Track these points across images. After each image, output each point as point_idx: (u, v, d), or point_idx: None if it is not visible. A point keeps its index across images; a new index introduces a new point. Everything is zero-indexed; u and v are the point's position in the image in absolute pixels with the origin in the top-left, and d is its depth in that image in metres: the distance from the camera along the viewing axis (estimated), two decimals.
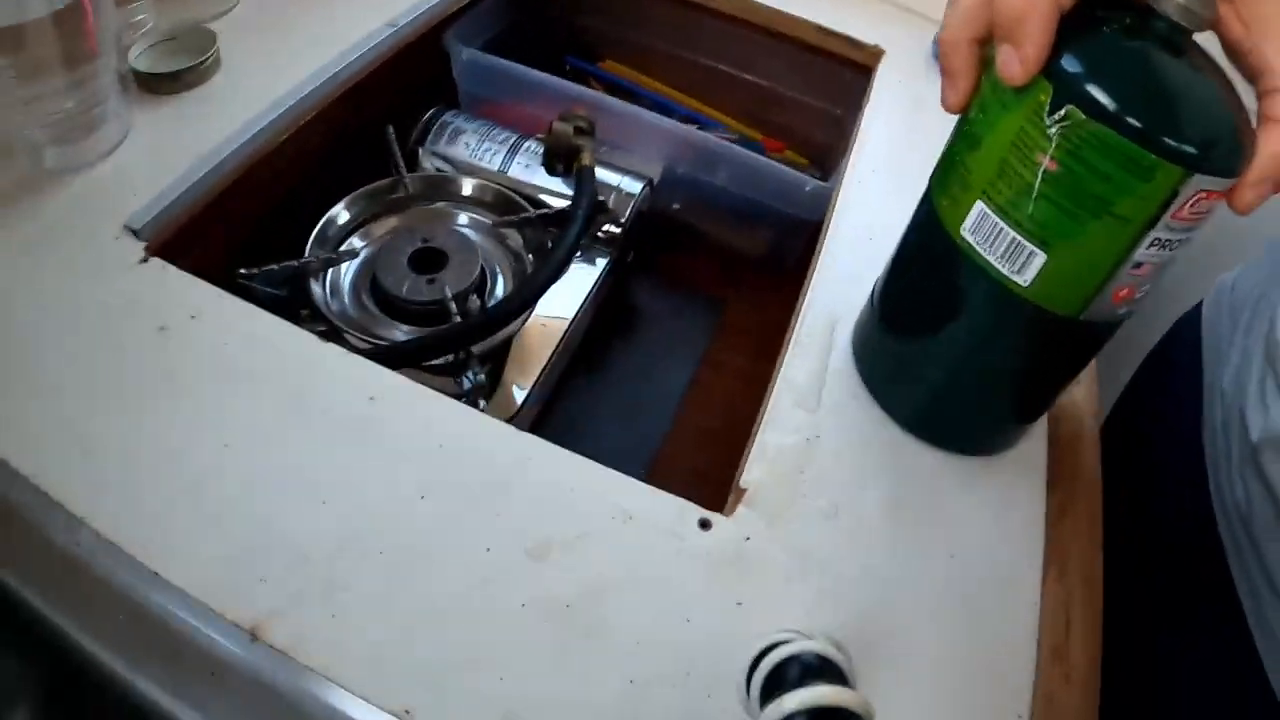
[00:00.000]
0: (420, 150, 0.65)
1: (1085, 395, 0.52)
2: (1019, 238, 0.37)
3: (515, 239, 0.62)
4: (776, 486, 0.42)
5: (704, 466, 0.57)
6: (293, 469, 0.40)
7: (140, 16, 0.59)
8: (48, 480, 0.38)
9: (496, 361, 0.57)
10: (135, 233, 0.47)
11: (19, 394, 0.41)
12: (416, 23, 0.65)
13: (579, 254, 0.63)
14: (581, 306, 0.60)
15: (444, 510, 0.39)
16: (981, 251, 0.38)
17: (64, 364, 0.42)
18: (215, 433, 0.40)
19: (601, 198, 0.62)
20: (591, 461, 0.42)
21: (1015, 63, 0.34)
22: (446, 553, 0.38)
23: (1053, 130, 0.34)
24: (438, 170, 0.65)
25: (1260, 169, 0.34)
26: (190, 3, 0.62)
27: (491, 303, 0.58)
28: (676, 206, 0.70)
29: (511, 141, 0.65)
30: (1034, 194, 0.36)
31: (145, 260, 0.46)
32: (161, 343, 0.43)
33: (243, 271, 0.53)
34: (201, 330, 0.44)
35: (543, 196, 0.64)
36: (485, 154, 0.65)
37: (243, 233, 0.56)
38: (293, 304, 0.54)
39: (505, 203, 0.62)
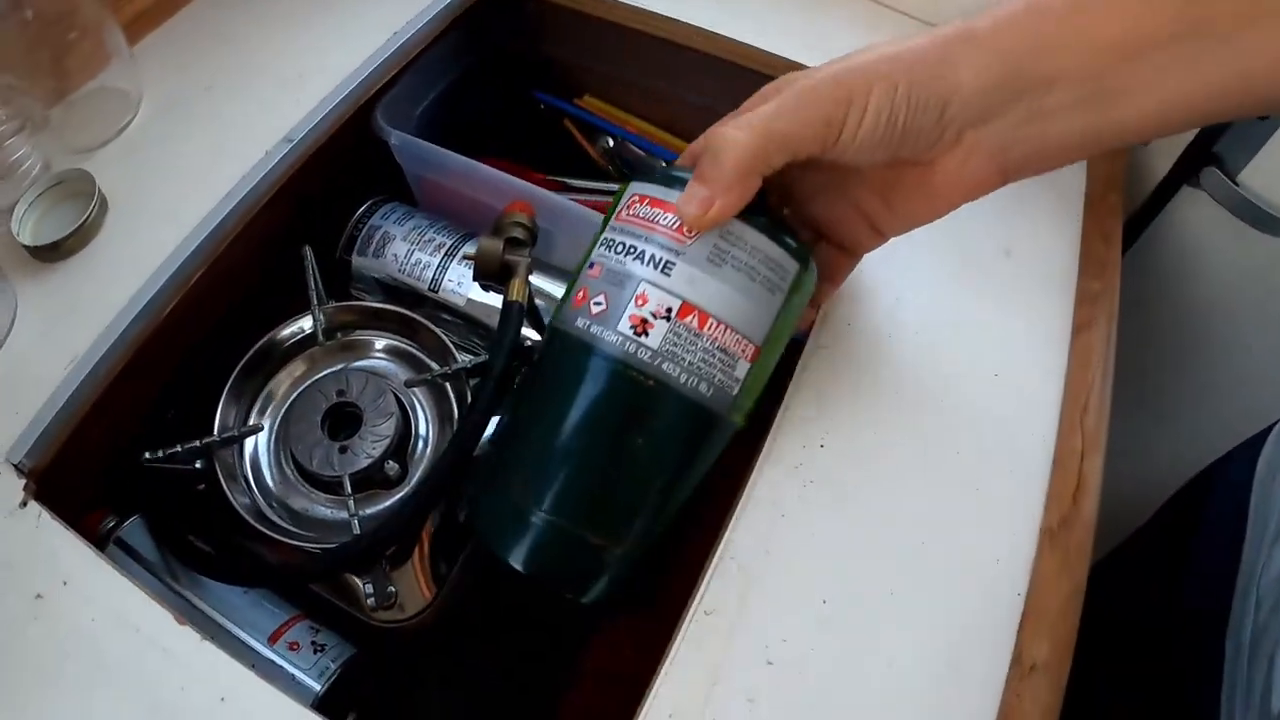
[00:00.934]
0: (353, 259, 0.60)
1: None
2: None
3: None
4: None
5: None
6: None
7: (20, 153, 0.55)
8: None
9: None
10: (16, 467, 0.47)
11: None
12: (327, 122, 0.59)
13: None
14: None
15: None
16: None
17: None
18: None
19: (527, 339, 0.55)
20: None
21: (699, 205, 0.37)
22: None
23: None
24: (357, 291, 0.60)
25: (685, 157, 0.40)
26: (70, 131, 0.58)
27: (417, 461, 0.54)
28: None
29: (447, 246, 0.59)
30: None
31: (24, 504, 0.46)
32: (39, 613, 0.43)
33: (147, 455, 0.51)
34: (72, 601, 0.43)
35: (478, 315, 0.59)
36: (415, 268, 0.59)
37: (143, 409, 0.54)
38: (210, 478, 0.53)
39: (429, 341, 0.57)
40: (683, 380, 0.39)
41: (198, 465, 0.52)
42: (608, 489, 0.40)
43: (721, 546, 0.44)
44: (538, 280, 0.59)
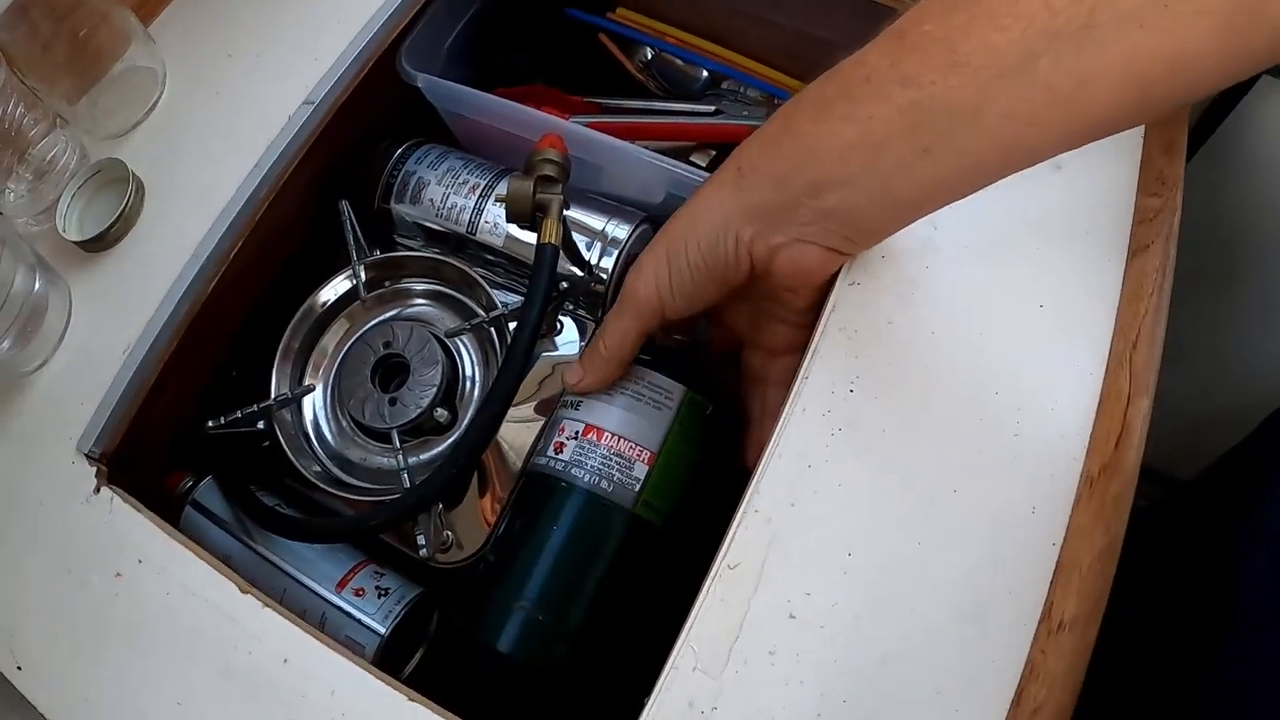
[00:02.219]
0: (392, 207, 0.61)
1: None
2: None
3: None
4: None
5: None
6: None
7: (55, 150, 0.57)
8: None
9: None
10: (87, 455, 0.51)
11: (37, 645, 0.48)
12: (345, 82, 0.58)
13: (559, 326, 0.58)
14: (562, 395, 0.56)
15: None
16: None
17: (61, 616, 0.48)
18: (171, 690, 0.45)
19: (564, 278, 0.54)
20: None
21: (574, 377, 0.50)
22: None
23: None
24: (400, 239, 0.61)
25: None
26: (100, 119, 0.59)
27: (466, 404, 0.56)
28: None
29: (481, 187, 0.59)
30: None
31: (98, 490, 0.50)
32: (119, 589, 0.47)
33: (210, 424, 0.55)
34: (147, 577, 0.47)
35: (519, 252, 0.58)
36: (452, 212, 0.59)
37: (202, 381, 0.57)
38: (272, 438, 0.56)
39: (466, 283, 0.58)
40: (586, 480, 0.49)
41: (259, 427, 0.56)
42: (550, 567, 0.49)
43: (747, 499, 0.44)
44: (576, 213, 0.58)
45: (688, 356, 0.56)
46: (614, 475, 0.49)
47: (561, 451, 0.50)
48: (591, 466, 0.49)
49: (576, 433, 0.50)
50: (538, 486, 0.50)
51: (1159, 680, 0.61)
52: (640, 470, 0.49)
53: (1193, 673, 0.55)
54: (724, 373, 0.55)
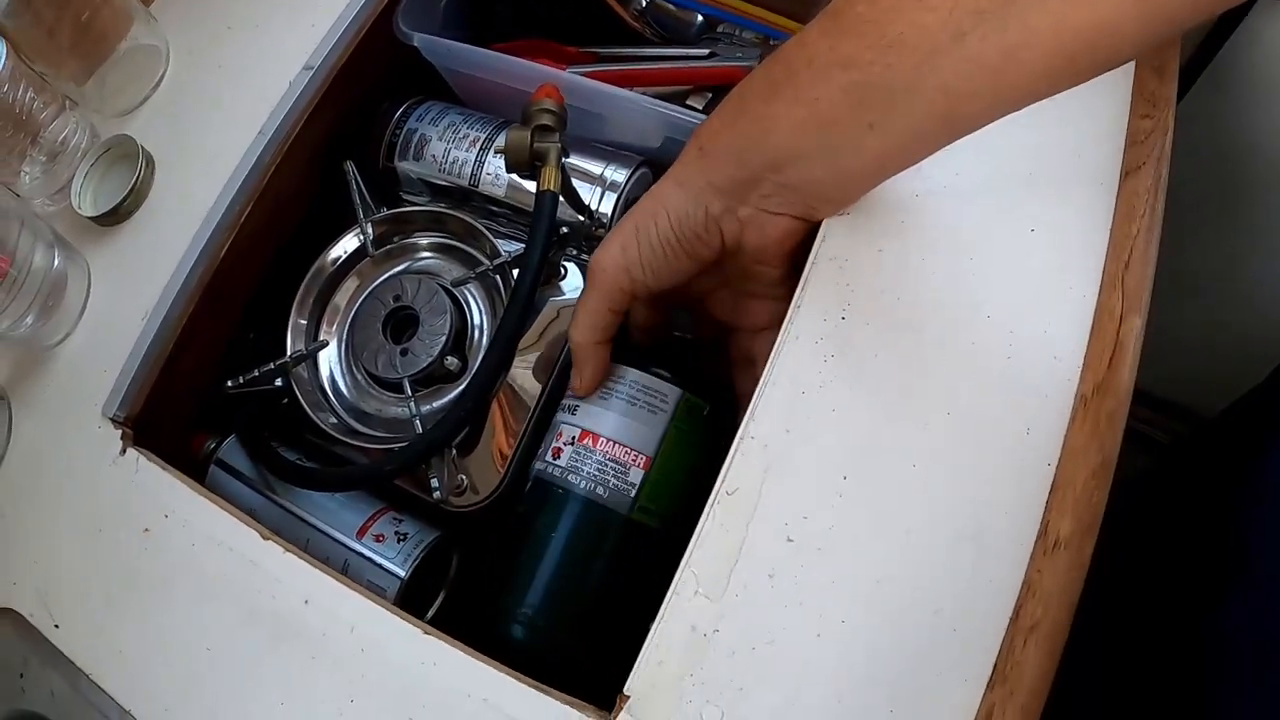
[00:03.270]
0: (396, 165, 0.62)
1: None
2: None
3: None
4: (661, 691, 0.42)
5: None
6: (254, 671, 0.46)
7: (65, 131, 0.59)
8: (104, 678, 0.48)
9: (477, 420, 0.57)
10: (112, 420, 0.53)
11: (72, 602, 0.50)
12: (342, 46, 0.59)
13: (563, 271, 0.59)
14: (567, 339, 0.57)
15: (367, 712, 0.44)
16: None
17: (94, 573, 0.50)
18: (199, 636, 0.47)
19: (565, 224, 0.56)
20: (490, 665, 0.44)
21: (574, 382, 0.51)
22: None
23: None
24: (407, 195, 0.62)
25: None
26: (107, 98, 0.61)
27: (475, 351, 0.58)
28: None
29: (481, 140, 0.60)
30: None
31: (124, 452, 0.52)
32: (148, 544, 0.50)
33: (229, 384, 0.57)
34: (174, 530, 0.50)
35: (521, 201, 0.60)
36: (454, 166, 0.60)
37: (220, 347, 0.59)
38: (290, 394, 0.58)
39: (470, 235, 0.59)
40: (583, 486, 0.50)
41: (277, 384, 0.58)
42: (550, 572, 0.50)
43: (743, 427, 0.45)
44: (576, 160, 0.59)
45: (684, 356, 0.57)
46: (609, 481, 0.50)
47: (559, 457, 0.51)
48: (588, 473, 0.50)
49: (573, 438, 0.51)
50: (537, 491, 0.52)
51: (1157, 629, 0.62)
52: (636, 475, 0.50)
53: (1194, 620, 0.55)
54: (716, 365, 0.56)
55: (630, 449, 0.50)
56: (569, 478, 0.50)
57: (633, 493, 0.50)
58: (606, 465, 0.50)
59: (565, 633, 0.49)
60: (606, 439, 0.50)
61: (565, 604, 0.49)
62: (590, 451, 0.50)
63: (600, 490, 0.50)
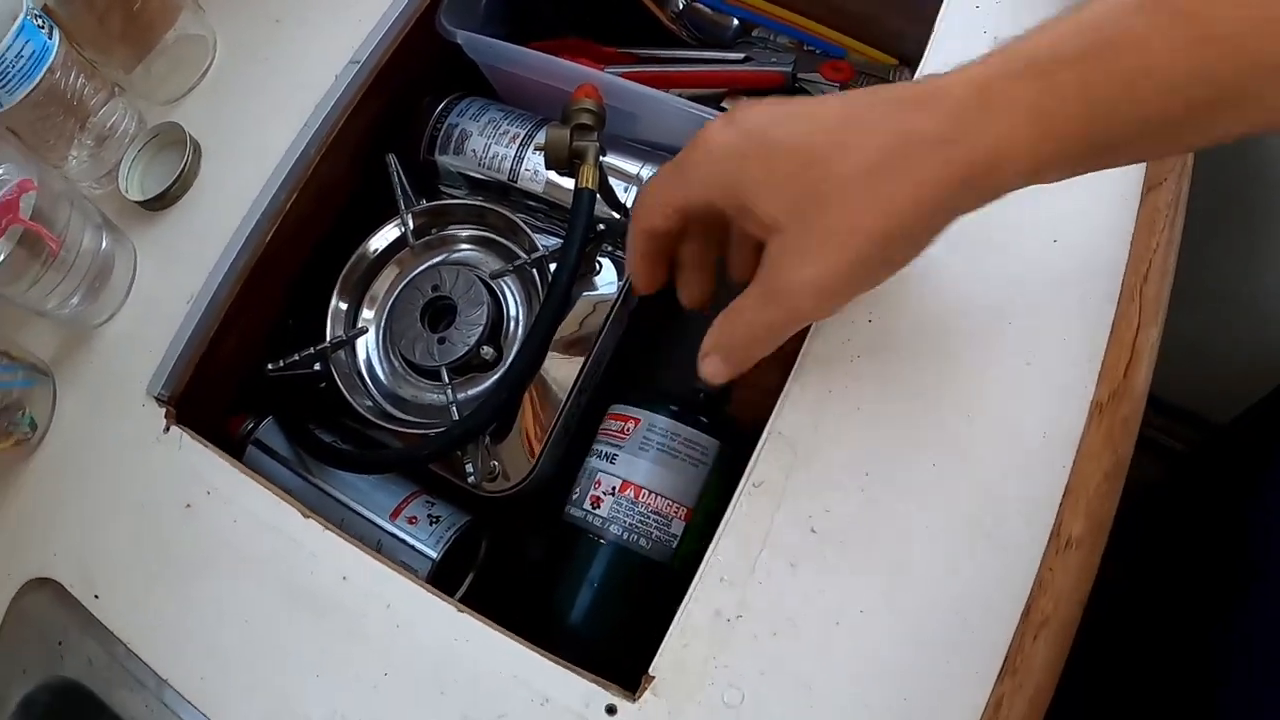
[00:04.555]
0: (436, 159, 0.64)
1: None
2: None
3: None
4: (684, 673, 0.44)
5: None
6: (291, 645, 0.48)
7: (114, 117, 0.61)
8: (142, 648, 0.50)
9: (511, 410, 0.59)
10: (156, 398, 0.55)
11: (113, 574, 0.52)
12: (387, 41, 0.61)
13: (598, 266, 0.61)
14: (600, 334, 0.58)
15: (402, 685, 0.46)
16: None
17: (135, 547, 0.52)
18: (237, 609, 0.49)
19: (602, 220, 0.57)
20: (520, 643, 0.46)
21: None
22: None
23: None
24: (445, 189, 0.64)
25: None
26: (154, 85, 0.63)
27: (510, 342, 0.59)
28: None
29: (521, 137, 0.62)
30: None
31: (168, 429, 0.54)
32: (189, 519, 0.52)
33: (270, 367, 0.59)
34: (215, 507, 0.51)
35: (558, 197, 0.61)
36: (494, 161, 0.62)
37: (261, 332, 0.61)
38: (328, 379, 0.60)
39: (509, 229, 0.61)
40: (625, 538, 0.51)
41: (316, 369, 0.60)
42: (589, 611, 0.52)
43: (770, 422, 0.47)
44: (612, 159, 0.61)
45: (717, 405, 0.58)
46: (652, 533, 0.51)
47: (599, 506, 0.52)
48: (629, 524, 0.51)
49: (613, 488, 0.52)
50: (577, 541, 0.53)
51: (1165, 636, 0.63)
52: (678, 527, 0.52)
53: (1203, 630, 0.57)
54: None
55: (672, 501, 0.52)
56: (610, 528, 0.52)
57: (674, 544, 0.52)
58: (649, 518, 0.52)
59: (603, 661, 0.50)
60: (649, 491, 0.52)
61: (611, 642, 0.51)
62: (633, 504, 0.52)
63: (643, 542, 0.51)
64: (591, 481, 0.53)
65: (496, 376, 0.58)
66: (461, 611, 0.47)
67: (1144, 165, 0.51)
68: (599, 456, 0.54)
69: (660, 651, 0.44)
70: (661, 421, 0.53)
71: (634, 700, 0.44)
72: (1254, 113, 0.33)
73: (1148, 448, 0.97)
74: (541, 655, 0.46)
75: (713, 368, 0.44)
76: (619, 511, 0.52)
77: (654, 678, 0.44)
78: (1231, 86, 0.32)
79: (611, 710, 0.44)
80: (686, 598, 0.45)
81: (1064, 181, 0.49)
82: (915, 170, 0.35)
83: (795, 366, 0.48)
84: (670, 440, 0.53)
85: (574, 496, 0.54)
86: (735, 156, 0.39)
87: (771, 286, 0.39)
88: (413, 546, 0.56)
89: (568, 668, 0.45)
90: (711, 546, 0.45)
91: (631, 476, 0.52)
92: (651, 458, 0.53)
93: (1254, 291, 0.84)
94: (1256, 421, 0.69)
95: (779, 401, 0.47)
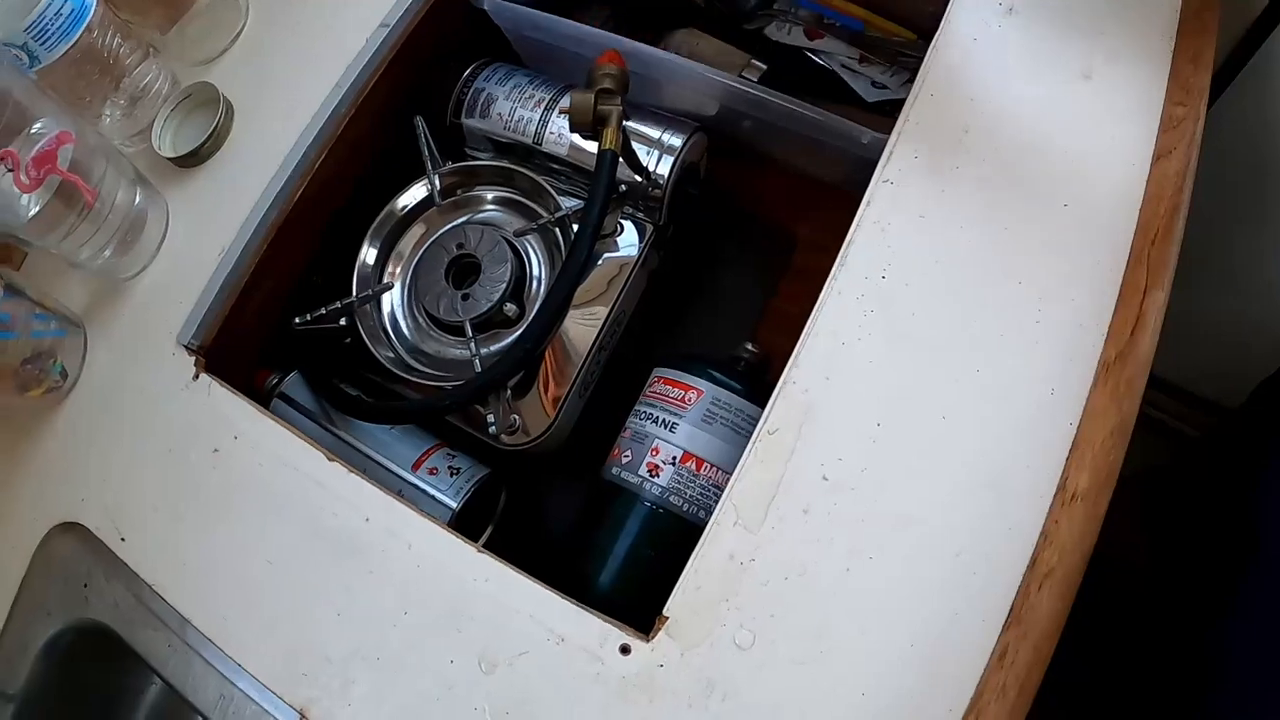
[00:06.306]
0: (463, 122, 0.65)
1: None
2: None
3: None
4: (697, 615, 0.45)
5: None
6: (314, 584, 0.49)
7: (149, 77, 0.63)
8: (166, 589, 0.51)
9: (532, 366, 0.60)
10: (186, 347, 0.56)
11: (139, 518, 0.54)
12: (417, 6, 0.62)
13: (619, 227, 0.62)
14: (619, 294, 0.60)
15: (421, 623, 0.48)
16: None
17: (162, 491, 0.54)
18: (261, 550, 0.51)
19: (623, 183, 0.59)
20: (538, 584, 0.47)
21: None
22: (424, 660, 0.47)
23: None
24: (471, 151, 0.65)
25: None
26: (188, 47, 0.64)
27: (532, 299, 0.61)
28: (747, 124, 0.64)
29: (546, 101, 0.63)
30: None
31: (197, 377, 0.55)
32: (216, 464, 0.53)
33: (297, 320, 0.60)
34: (242, 451, 0.53)
35: (581, 160, 0.63)
36: (519, 124, 0.63)
37: (289, 286, 0.62)
38: (354, 333, 0.61)
39: (533, 190, 0.62)
40: (685, 509, 0.52)
41: (342, 323, 0.61)
42: (631, 578, 0.53)
43: (785, 372, 0.49)
44: (635, 124, 0.62)
45: (760, 374, 0.59)
46: (710, 505, 0.50)
47: (657, 475, 0.53)
48: (690, 495, 0.52)
49: (674, 458, 0.53)
50: (629, 506, 0.53)
51: (1164, 632, 0.64)
52: None
53: (1199, 633, 0.58)
54: None
55: (730, 475, 0.50)
56: (671, 499, 0.53)
57: None
58: (709, 491, 0.53)
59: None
60: (711, 464, 0.53)
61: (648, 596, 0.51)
62: (694, 476, 0.53)
63: (702, 514, 0.52)
64: (648, 448, 0.54)
65: (518, 333, 0.59)
66: (481, 552, 0.49)
67: (1154, 133, 0.52)
68: (655, 422, 0.54)
69: (674, 593, 0.46)
70: (726, 396, 0.54)
71: (648, 640, 0.45)
72: None
73: (1160, 432, 0.98)
74: (558, 595, 0.47)
75: None
76: (679, 483, 0.53)
77: (667, 619, 0.46)
78: None
79: (625, 650, 0.45)
80: (701, 541, 0.46)
81: (1076, 148, 0.50)
82: None
83: (809, 320, 0.49)
84: (735, 416, 0.54)
85: (624, 459, 0.55)
86: None
87: None
88: (433, 496, 0.57)
89: (583, 608, 0.47)
90: (726, 491, 0.47)
91: (693, 448, 0.53)
92: (715, 431, 0.53)
93: (1269, 277, 0.85)
94: (1265, 402, 0.69)
95: (793, 353, 0.48)
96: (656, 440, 0.54)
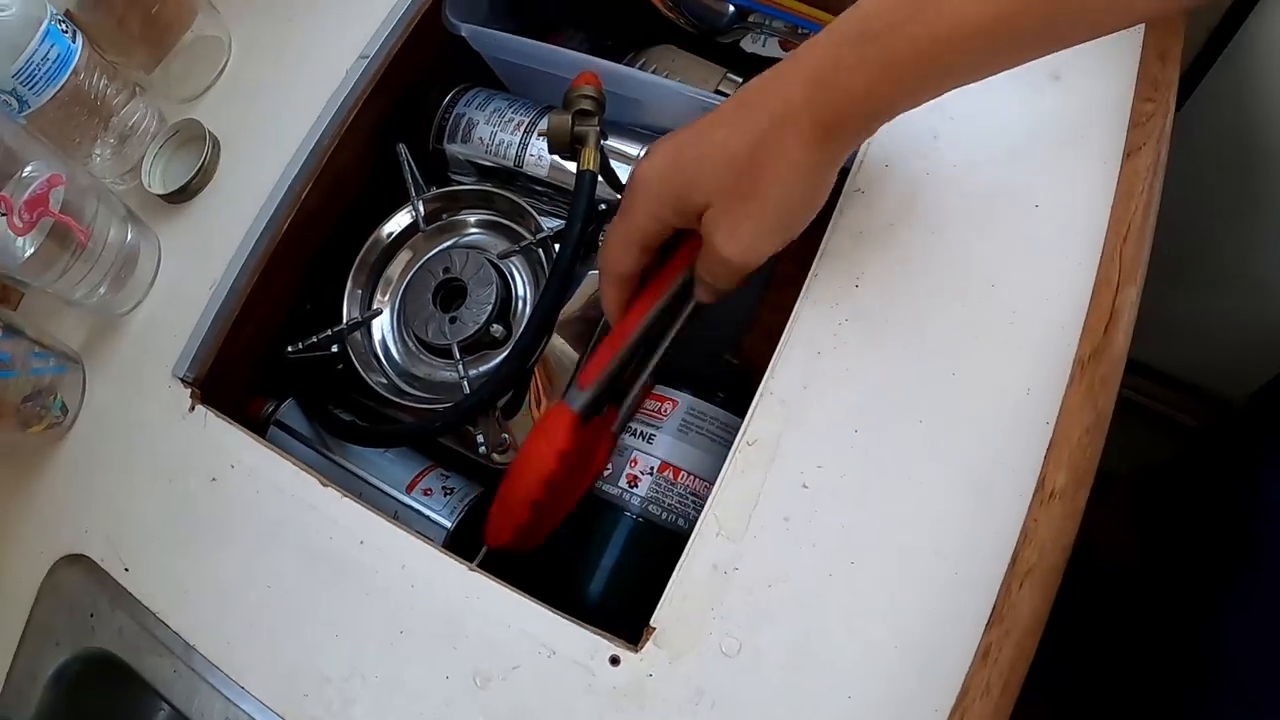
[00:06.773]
0: (445, 147, 0.67)
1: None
2: None
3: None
4: (684, 624, 0.46)
5: None
6: (312, 606, 0.50)
7: (135, 116, 0.64)
8: (169, 616, 0.52)
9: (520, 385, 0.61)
10: (181, 380, 0.57)
11: (142, 547, 0.55)
12: (395, 36, 0.63)
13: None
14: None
15: (417, 641, 0.49)
16: None
17: (163, 520, 0.55)
18: (261, 575, 0.52)
19: (604, 201, 0.59)
20: (528, 599, 0.48)
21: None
22: (421, 677, 0.48)
23: None
24: (455, 176, 0.66)
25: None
26: (173, 85, 0.66)
27: (519, 320, 0.62)
28: None
29: (525, 124, 0.64)
30: None
31: (193, 408, 0.57)
32: (214, 492, 0.54)
33: (289, 349, 0.61)
34: (239, 479, 0.54)
35: (562, 181, 0.64)
36: (499, 147, 0.64)
37: (280, 317, 0.63)
38: (345, 359, 0.62)
39: (516, 212, 0.63)
40: (664, 518, 0.53)
41: (333, 350, 0.62)
42: (618, 588, 0.53)
43: (763, 383, 0.49)
44: (615, 142, 0.63)
45: (745, 379, 0.58)
46: (689, 514, 0.53)
47: (636, 485, 0.53)
48: (670, 505, 0.53)
49: (652, 468, 0.54)
50: (611, 518, 0.54)
51: (1158, 628, 0.64)
52: None
53: (1191, 633, 0.58)
54: None
55: (709, 483, 0.52)
56: (650, 509, 0.53)
57: None
58: (688, 499, 0.53)
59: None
60: (688, 473, 0.53)
61: (628, 613, 0.51)
62: (672, 485, 0.53)
63: (681, 522, 0.53)
64: (626, 460, 0.55)
65: (505, 353, 0.60)
66: (473, 570, 0.50)
67: (1124, 131, 0.52)
68: (634, 434, 0.55)
69: (661, 604, 0.47)
70: (703, 406, 0.55)
71: (636, 651, 0.46)
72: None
73: (1160, 424, 0.98)
74: (548, 610, 0.48)
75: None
76: (658, 491, 0.53)
77: (655, 629, 0.46)
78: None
79: (615, 661, 0.46)
80: (685, 552, 0.47)
81: (1046, 146, 0.50)
82: (787, 139, 0.43)
83: (786, 330, 0.50)
84: (710, 425, 0.54)
85: (605, 472, 0.56)
86: (668, 170, 0.47)
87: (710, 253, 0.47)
88: (428, 517, 0.58)
89: (573, 621, 0.47)
90: (709, 502, 0.48)
91: (672, 458, 0.54)
92: (692, 440, 0.54)
93: (1263, 270, 0.85)
94: (1265, 403, 0.69)
95: (771, 363, 0.49)
96: (635, 452, 0.54)
